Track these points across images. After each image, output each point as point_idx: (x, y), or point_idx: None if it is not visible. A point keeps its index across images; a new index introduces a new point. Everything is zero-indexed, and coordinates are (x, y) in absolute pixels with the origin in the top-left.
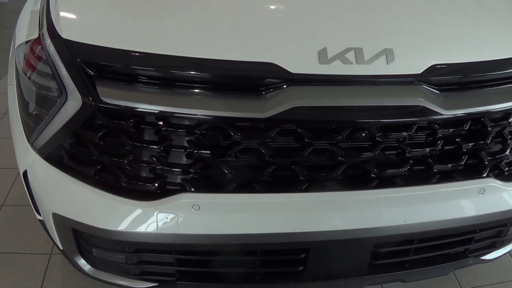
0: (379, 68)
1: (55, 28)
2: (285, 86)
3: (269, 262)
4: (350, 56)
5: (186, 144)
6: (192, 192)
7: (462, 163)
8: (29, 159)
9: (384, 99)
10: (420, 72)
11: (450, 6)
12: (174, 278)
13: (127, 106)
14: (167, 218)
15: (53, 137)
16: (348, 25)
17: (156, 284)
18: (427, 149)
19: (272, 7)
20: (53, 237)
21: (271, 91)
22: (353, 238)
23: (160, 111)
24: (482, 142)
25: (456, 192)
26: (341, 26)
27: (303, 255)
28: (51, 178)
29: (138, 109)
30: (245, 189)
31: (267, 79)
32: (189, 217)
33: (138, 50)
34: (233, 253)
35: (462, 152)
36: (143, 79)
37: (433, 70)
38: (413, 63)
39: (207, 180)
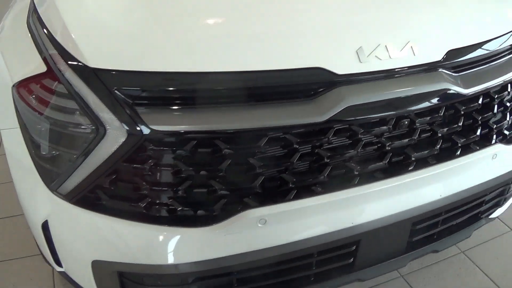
0: (408, 60)
1: (74, 57)
2: (334, 88)
3: (324, 260)
4: (383, 52)
5: (248, 160)
6: (256, 207)
7: (478, 134)
8: (52, 208)
9: (418, 87)
10: (440, 59)
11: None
12: None
13: (183, 131)
14: (234, 238)
15: (87, 177)
16: (374, 22)
17: None
18: (452, 127)
19: (306, 13)
20: (85, 287)
21: (322, 95)
22: (397, 221)
23: (219, 130)
24: (490, 113)
25: (477, 161)
26: (369, 24)
27: (354, 247)
28: (87, 224)
29: (194, 131)
30: (306, 194)
31: (317, 83)
32: (257, 232)
33: (182, 71)
34: (293, 259)
35: (478, 125)
36: (194, 99)
37: (450, 55)
38: (433, 51)
39: (269, 193)
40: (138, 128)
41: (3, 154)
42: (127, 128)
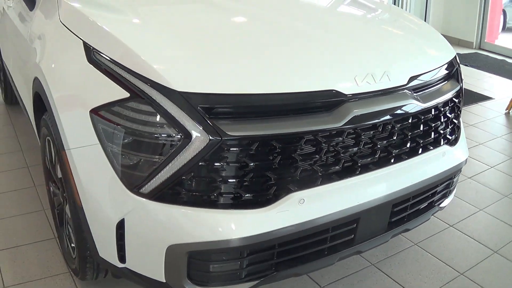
0: (386, 83)
1: (162, 85)
2: (344, 104)
3: (335, 235)
4: (370, 78)
5: (292, 155)
6: (297, 191)
7: (432, 137)
8: (130, 207)
9: (393, 102)
10: (405, 83)
11: (401, 36)
12: (273, 271)
13: (249, 135)
14: (282, 215)
15: (170, 177)
16: (364, 59)
17: (259, 281)
18: (416, 131)
19: (327, 57)
20: (150, 275)
21: (337, 108)
22: (385, 202)
23: (273, 134)
24: (438, 122)
25: (432, 157)
26: (360, 60)
27: (355, 225)
28: (165, 215)
29: (257, 136)
30: (328, 180)
31: (333, 100)
32: (298, 209)
33: (246, 93)
34: (317, 233)
35: (431, 130)
36: (255, 112)
37: (411, 80)
38: (400, 78)
39: (305, 179)
40: (216, 135)
41: (5, 170)
42: (208, 135)
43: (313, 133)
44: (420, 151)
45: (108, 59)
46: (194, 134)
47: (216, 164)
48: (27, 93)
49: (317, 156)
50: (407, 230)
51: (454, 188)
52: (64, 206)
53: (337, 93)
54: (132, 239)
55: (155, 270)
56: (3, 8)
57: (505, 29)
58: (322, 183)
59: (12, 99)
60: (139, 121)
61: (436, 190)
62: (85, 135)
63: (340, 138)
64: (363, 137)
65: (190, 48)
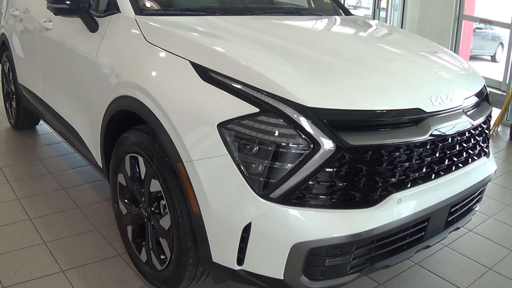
0: (450, 104)
1: (290, 100)
2: (426, 120)
3: (413, 232)
4: (440, 99)
5: (393, 162)
6: (396, 192)
7: (477, 150)
8: (258, 211)
9: (458, 119)
10: (462, 103)
11: (449, 65)
12: (369, 264)
13: (366, 144)
14: (386, 213)
15: (299, 182)
16: (435, 84)
17: (358, 273)
18: (468, 144)
19: (415, 83)
20: (269, 274)
21: (422, 122)
22: (447, 204)
23: (384, 144)
24: (481, 137)
25: (477, 166)
26: (432, 86)
27: (426, 223)
28: (291, 217)
29: (372, 145)
30: (415, 184)
31: (418, 116)
32: (396, 208)
33: (365, 109)
34: (404, 230)
35: (476, 143)
36: (370, 126)
37: (465, 101)
38: (458, 99)
39: (400, 182)
40: (341, 144)
41: (41, 193)
42: (335, 145)
43: (408, 143)
44: (470, 161)
45: (229, 78)
46: (323, 144)
47: (336, 170)
48: (92, 114)
49: (409, 162)
50: (458, 228)
51: (483, 195)
52: (150, 219)
53: (421, 111)
54: (256, 241)
55: (274, 269)
56: (36, 29)
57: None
58: (411, 186)
59: (24, 124)
60: (270, 133)
61: (475, 195)
62: (211, 147)
63: (425, 148)
64: (438, 147)
65: (304, 67)
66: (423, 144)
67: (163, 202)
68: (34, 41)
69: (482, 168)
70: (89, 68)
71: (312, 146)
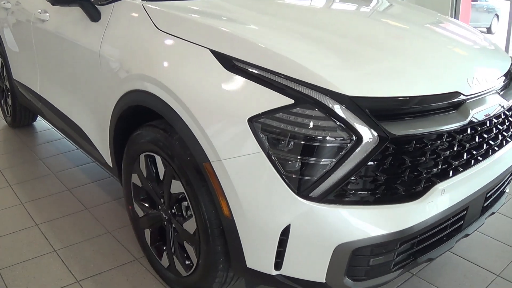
0: (486, 84)
1: (329, 90)
2: (465, 103)
3: (453, 222)
4: (476, 81)
5: (436, 151)
6: (440, 182)
7: (511, 132)
8: (298, 212)
9: (494, 100)
10: (495, 84)
11: (481, 46)
12: (412, 258)
13: (410, 134)
14: (431, 204)
15: (341, 179)
16: (471, 67)
17: (402, 270)
18: (503, 126)
19: (456, 66)
20: (309, 278)
21: (461, 106)
22: (485, 190)
23: (428, 132)
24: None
25: (510, 149)
26: (469, 68)
27: (465, 212)
28: (334, 216)
29: (417, 134)
30: (457, 172)
31: (458, 100)
32: (440, 199)
33: (406, 95)
34: (445, 221)
35: (510, 125)
36: (410, 113)
37: (498, 81)
38: (491, 80)
39: (443, 171)
40: (384, 135)
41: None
42: (378, 136)
43: (450, 130)
44: (504, 143)
45: (257, 66)
46: (366, 135)
47: (379, 162)
48: (98, 110)
49: (451, 150)
50: (493, 213)
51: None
52: (171, 222)
53: (459, 94)
54: (296, 243)
55: (316, 272)
56: (30, 22)
57: None
58: (453, 175)
59: (21, 121)
60: (307, 126)
61: (508, 178)
62: (241, 144)
63: (465, 133)
64: (477, 132)
65: (340, 55)
66: (464, 129)
67: (185, 203)
68: (29, 34)
69: None
70: (93, 62)
71: (354, 138)
